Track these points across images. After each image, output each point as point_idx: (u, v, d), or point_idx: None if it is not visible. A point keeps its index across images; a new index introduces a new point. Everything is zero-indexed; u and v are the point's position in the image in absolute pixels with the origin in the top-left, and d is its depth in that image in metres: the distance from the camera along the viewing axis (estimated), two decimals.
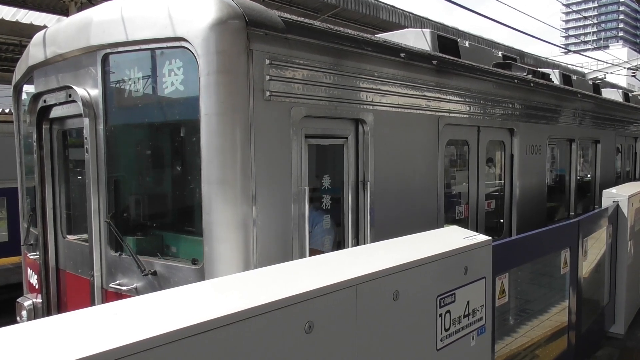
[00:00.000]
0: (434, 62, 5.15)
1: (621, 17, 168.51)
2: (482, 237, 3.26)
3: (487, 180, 6.39)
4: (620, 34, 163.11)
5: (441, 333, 2.83)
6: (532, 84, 7.12)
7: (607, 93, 12.07)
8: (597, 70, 25.05)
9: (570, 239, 5.05)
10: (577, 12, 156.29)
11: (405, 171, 4.88)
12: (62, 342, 1.52)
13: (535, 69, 8.12)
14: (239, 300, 1.88)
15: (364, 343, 2.32)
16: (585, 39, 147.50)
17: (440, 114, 5.25)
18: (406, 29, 6.51)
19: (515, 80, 6.71)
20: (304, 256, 3.77)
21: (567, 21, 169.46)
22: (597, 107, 9.51)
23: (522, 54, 20.97)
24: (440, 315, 2.83)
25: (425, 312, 2.73)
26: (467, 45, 6.74)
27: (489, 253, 3.28)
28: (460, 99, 5.56)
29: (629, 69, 26.75)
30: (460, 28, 18.27)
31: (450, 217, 5.78)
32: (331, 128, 4.16)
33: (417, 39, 5.99)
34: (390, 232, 4.04)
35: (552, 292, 5.20)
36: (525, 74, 7.33)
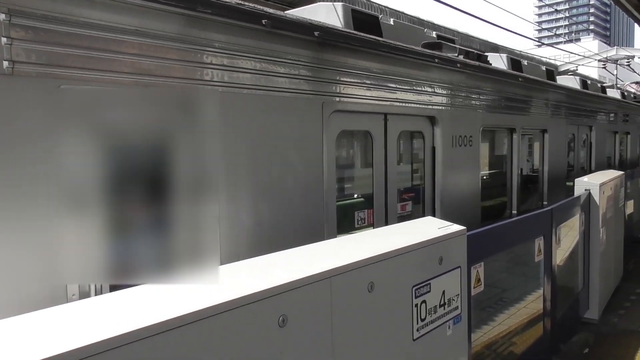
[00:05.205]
0: (316, 34, 4.17)
1: (592, 10, 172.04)
2: (456, 227, 3.28)
3: (399, 179, 5.44)
4: (591, 27, 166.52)
5: (417, 323, 2.84)
6: (459, 65, 6.11)
7: (563, 80, 11.42)
8: (569, 62, 25.55)
9: (544, 227, 5.13)
10: (549, 5, 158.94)
11: (267, 170, 3.85)
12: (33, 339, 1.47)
13: (470, 50, 7.04)
14: (211, 295, 1.85)
15: (339, 335, 2.32)
16: (558, 32, 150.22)
17: (324, 97, 4.27)
18: (317, 3, 5.53)
19: (436, 60, 5.66)
20: None
21: (539, 14, 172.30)
22: (544, 93, 8.62)
23: (496, 47, 21.25)
24: (416, 305, 2.84)
25: (400, 303, 2.74)
26: (391, 22, 5.84)
27: (464, 243, 3.31)
28: (356, 81, 4.60)
29: (599, 60, 27.37)
30: (437, 23, 18.42)
31: (347, 226, 4.85)
32: None
33: (329, 14, 5.14)
34: (247, 248, 3.53)
35: (528, 280, 5.28)
36: (456, 54, 6.35)
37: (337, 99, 4.40)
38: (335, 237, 4.24)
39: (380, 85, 4.87)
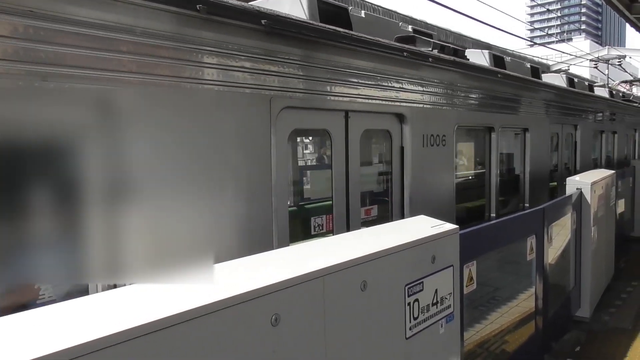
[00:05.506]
0: (263, 22, 3.76)
1: (583, 10, 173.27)
2: (449, 226, 3.29)
3: (363, 182, 5.05)
4: (583, 27, 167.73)
5: (410, 322, 2.85)
6: (430, 59, 5.62)
7: (549, 78, 11.01)
8: (561, 62, 25.71)
9: (536, 226, 5.15)
10: (541, 5, 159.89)
11: (204, 174, 3.44)
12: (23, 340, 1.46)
13: (446, 44, 6.55)
14: (203, 294, 1.84)
15: (332, 334, 2.31)
16: (550, 32, 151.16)
17: (273, 92, 3.85)
18: None
19: (405, 54, 5.23)
20: None
21: (531, 14, 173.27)
22: (526, 90, 8.21)
23: (489, 46, 21.34)
24: (409, 304, 2.84)
25: (393, 302, 2.74)
26: (362, 15, 5.47)
27: (456, 241, 3.32)
28: (312, 75, 4.22)
29: (591, 60, 27.59)
30: (430, 22, 18.46)
31: (303, 233, 4.55)
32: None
33: (294, 5, 4.79)
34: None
35: (520, 279, 5.31)
36: (430, 49, 5.91)
37: (289, 94, 4.00)
38: (288, 245, 3.93)
39: (340, 80, 4.48)
